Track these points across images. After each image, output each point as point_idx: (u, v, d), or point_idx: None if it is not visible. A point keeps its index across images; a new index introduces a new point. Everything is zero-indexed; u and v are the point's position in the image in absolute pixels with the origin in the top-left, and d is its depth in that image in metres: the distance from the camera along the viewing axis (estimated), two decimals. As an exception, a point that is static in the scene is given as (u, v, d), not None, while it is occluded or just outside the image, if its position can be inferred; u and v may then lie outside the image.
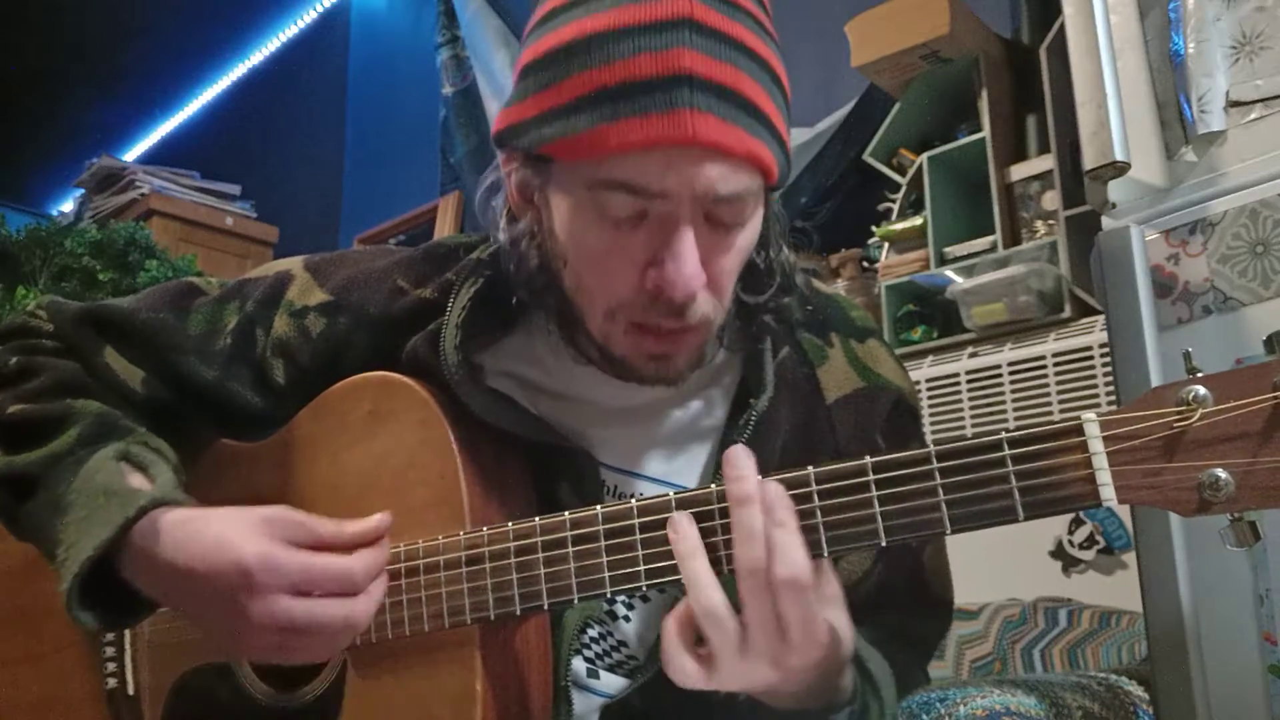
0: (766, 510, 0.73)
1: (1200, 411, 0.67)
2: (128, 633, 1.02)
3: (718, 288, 0.84)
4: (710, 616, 0.73)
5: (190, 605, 0.84)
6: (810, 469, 0.75)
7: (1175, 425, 0.67)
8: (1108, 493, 0.68)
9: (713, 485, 0.77)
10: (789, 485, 0.75)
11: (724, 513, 0.76)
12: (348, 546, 0.83)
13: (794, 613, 0.72)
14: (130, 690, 1.00)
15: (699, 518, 0.77)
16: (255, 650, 0.83)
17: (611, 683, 0.93)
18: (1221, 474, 0.66)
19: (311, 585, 0.80)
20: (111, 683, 1.02)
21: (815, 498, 0.74)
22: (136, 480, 0.88)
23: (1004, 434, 0.71)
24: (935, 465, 0.72)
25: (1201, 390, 0.67)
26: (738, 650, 0.73)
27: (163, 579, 0.82)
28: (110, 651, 1.02)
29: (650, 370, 0.87)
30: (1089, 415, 0.69)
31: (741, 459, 0.74)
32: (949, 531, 0.72)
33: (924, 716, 0.77)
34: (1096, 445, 0.69)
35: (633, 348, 0.85)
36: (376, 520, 0.84)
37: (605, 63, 0.75)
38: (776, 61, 0.81)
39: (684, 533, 0.75)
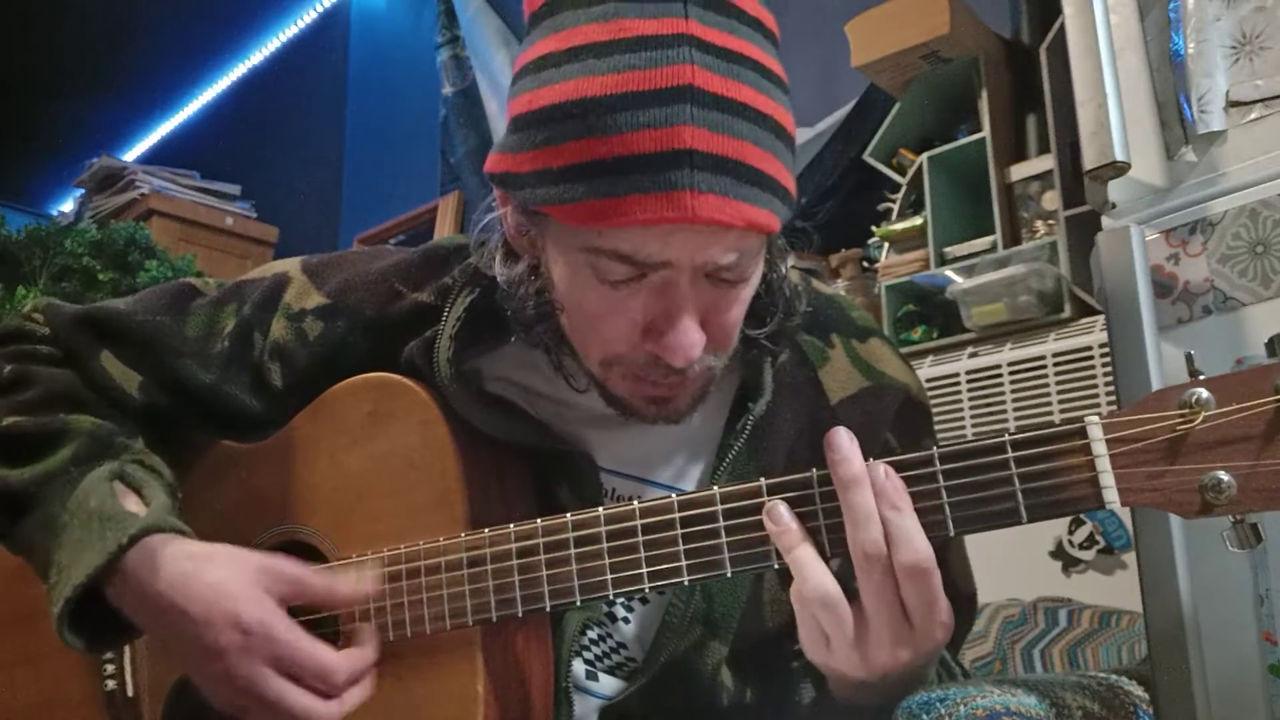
0: (879, 494, 0.72)
1: (1203, 414, 0.67)
2: (127, 634, 1.02)
3: (721, 342, 0.83)
4: (824, 605, 0.72)
5: (174, 641, 0.85)
6: (814, 471, 0.75)
7: (1178, 428, 0.67)
8: (1110, 495, 0.68)
9: (714, 488, 0.77)
10: (794, 488, 0.75)
11: (726, 515, 0.76)
12: (335, 605, 0.85)
13: (917, 598, 0.71)
14: (129, 692, 1.00)
15: (698, 520, 0.77)
16: (221, 702, 0.84)
17: (609, 684, 0.93)
18: (1224, 476, 0.66)
19: (294, 670, 0.81)
20: (110, 684, 1.01)
21: (818, 500, 0.75)
22: (130, 503, 0.88)
23: (1007, 436, 0.71)
24: (938, 467, 0.72)
25: (1204, 393, 0.67)
26: (854, 638, 0.72)
27: (151, 610, 0.83)
28: (109, 654, 1.02)
29: (650, 412, 0.86)
30: (1092, 417, 0.69)
31: (844, 440, 0.73)
32: (952, 533, 0.72)
33: (924, 716, 0.77)
34: (1100, 448, 0.69)
35: (631, 391, 0.85)
36: (369, 582, 0.86)
37: (602, 134, 0.72)
38: (780, 108, 0.77)
39: (784, 522, 0.74)
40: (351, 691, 0.84)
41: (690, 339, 0.78)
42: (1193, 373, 0.69)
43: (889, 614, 0.72)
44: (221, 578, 0.82)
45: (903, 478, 0.73)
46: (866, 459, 0.74)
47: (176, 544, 0.85)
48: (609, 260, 0.77)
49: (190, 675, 0.87)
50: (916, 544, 0.71)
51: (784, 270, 0.90)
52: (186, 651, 0.84)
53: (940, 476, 0.72)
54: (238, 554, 0.85)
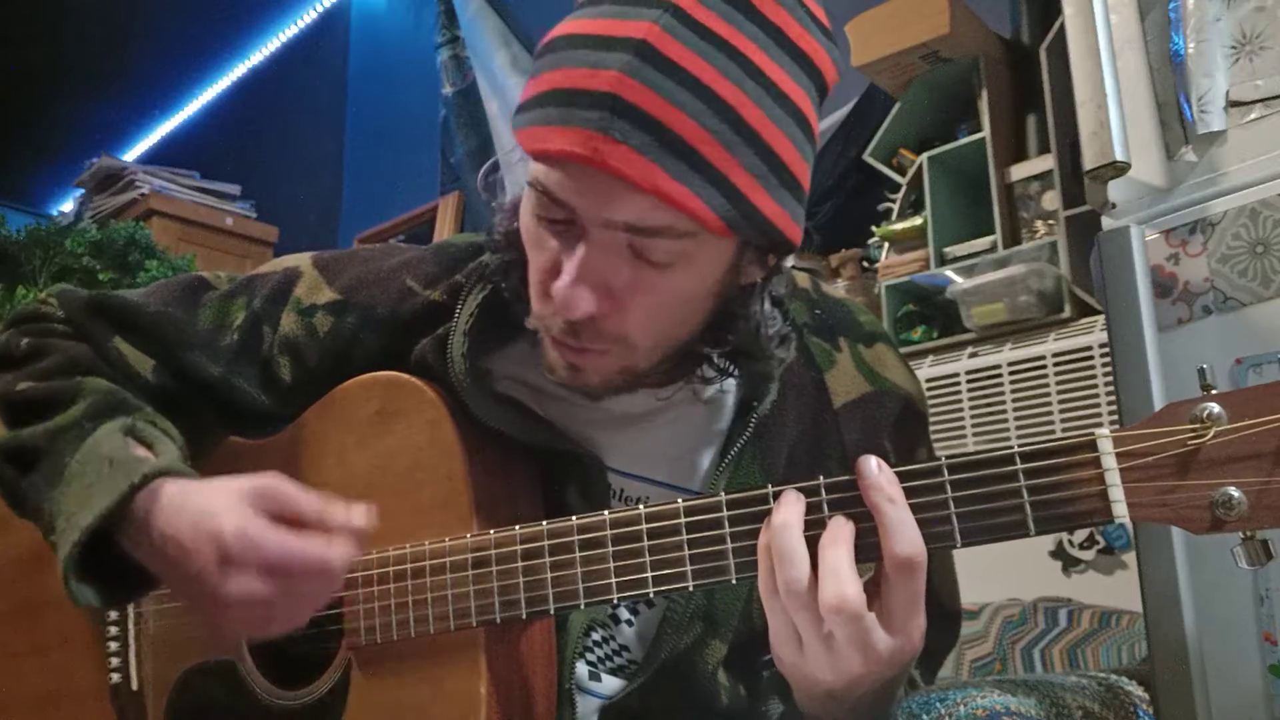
0: (873, 486, 0.72)
1: (1214, 429, 0.66)
2: (131, 627, 1.03)
3: (633, 326, 0.81)
4: (843, 609, 0.70)
5: (174, 577, 0.83)
6: (820, 480, 0.75)
7: (1189, 443, 0.67)
8: (1120, 509, 0.68)
9: (721, 494, 0.77)
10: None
11: (732, 520, 0.76)
12: (327, 529, 0.82)
13: (903, 594, 0.71)
14: (134, 685, 1.01)
15: (703, 525, 0.77)
16: (226, 624, 0.82)
17: (612, 685, 0.94)
18: (1235, 492, 0.65)
19: (287, 569, 0.80)
20: (115, 677, 1.02)
21: (825, 508, 0.74)
22: (141, 452, 0.88)
23: (1016, 448, 0.71)
24: (947, 478, 0.72)
25: (1215, 408, 0.67)
26: (864, 642, 0.71)
27: (155, 550, 0.83)
28: (114, 646, 1.03)
29: (565, 375, 0.86)
30: (1102, 431, 0.69)
31: (872, 468, 0.73)
32: (959, 544, 0.72)
33: (924, 716, 0.77)
34: (1109, 462, 0.69)
35: (553, 347, 0.86)
36: (361, 517, 0.83)
37: (556, 66, 0.76)
38: (756, 109, 0.75)
39: (833, 524, 0.73)
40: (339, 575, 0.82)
41: (573, 290, 0.77)
42: (1204, 387, 0.68)
43: (908, 608, 0.72)
44: (206, 500, 0.81)
45: (911, 488, 0.72)
46: None
47: (178, 482, 0.84)
48: (536, 193, 0.79)
49: (195, 612, 0.85)
50: (911, 535, 0.71)
51: (764, 304, 0.87)
52: (182, 587, 0.83)
53: (949, 487, 0.72)
54: (230, 480, 0.84)
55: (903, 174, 2.35)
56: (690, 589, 0.78)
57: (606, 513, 0.80)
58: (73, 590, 0.83)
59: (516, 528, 0.83)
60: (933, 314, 2.24)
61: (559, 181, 0.77)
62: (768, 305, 0.87)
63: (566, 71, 0.75)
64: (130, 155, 5.07)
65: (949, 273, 2.18)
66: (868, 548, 0.73)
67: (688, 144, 0.73)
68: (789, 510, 0.73)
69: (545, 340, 0.86)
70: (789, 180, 0.78)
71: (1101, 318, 1.84)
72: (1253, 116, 1.05)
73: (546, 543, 0.82)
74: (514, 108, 0.82)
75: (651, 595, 0.79)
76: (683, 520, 0.78)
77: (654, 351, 0.85)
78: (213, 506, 0.81)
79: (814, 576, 0.71)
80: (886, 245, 2.35)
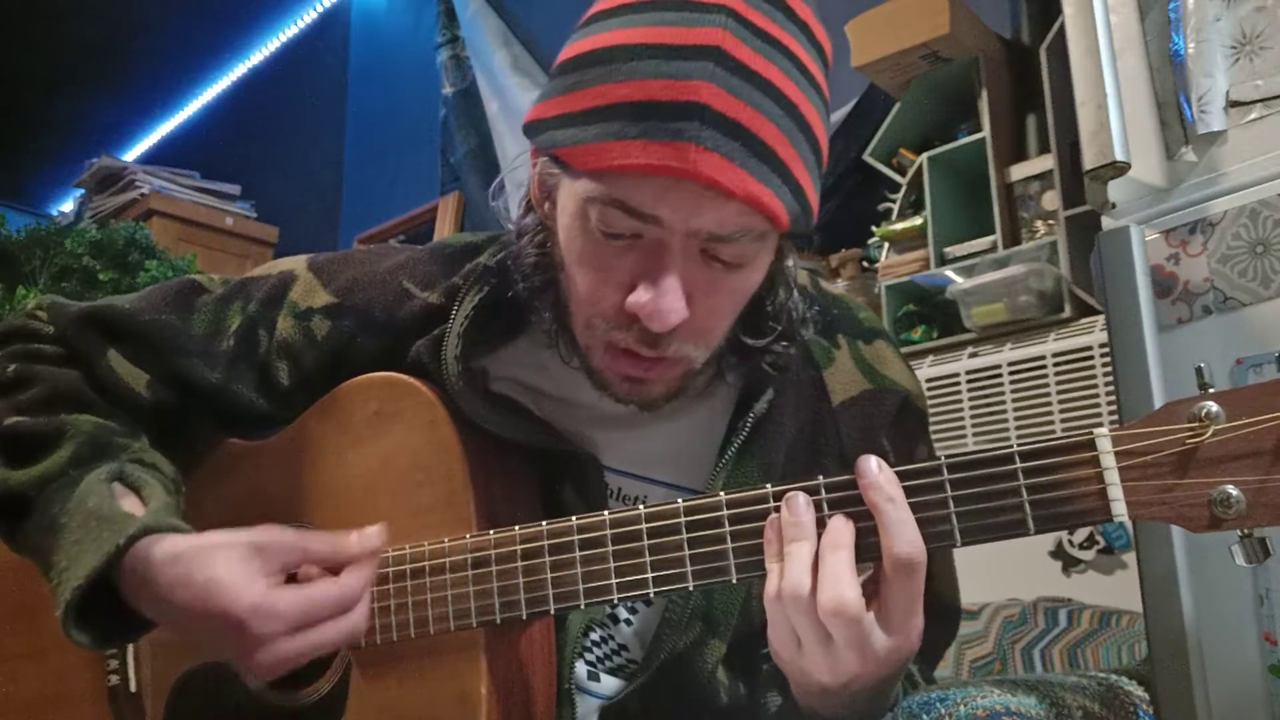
0: (873, 486, 0.72)
1: (1213, 428, 0.67)
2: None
3: (704, 327, 0.82)
4: (842, 613, 0.70)
5: (191, 639, 0.84)
6: (820, 479, 0.75)
7: (1187, 441, 0.67)
8: (1119, 508, 0.69)
9: (721, 494, 0.77)
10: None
11: (732, 520, 0.76)
12: (341, 565, 0.82)
13: (902, 594, 0.72)
14: (132, 687, 1.01)
15: (703, 525, 0.77)
16: (256, 674, 0.82)
17: (610, 684, 0.94)
18: (1233, 491, 0.66)
19: (313, 620, 0.80)
20: (113, 680, 1.02)
21: (825, 507, 0.74)
22: (129, 503, 0.87)
23: (1015, 447, 0.71)
24: (946, 477, 0.72)
25: (1214, 407, 0.67)
26: (862, 643, 0.71)
27: (159, 610, 0.82)
28: (113, 649, 1.02)
29: (623, 390, 0.86)
30: (1101, 430, 0.70)
31: (872, 467, 0.73)
32: (959, 543, 0.72)
33: (924, 716, 0.77)
34: (1108, 460, 0.69)
35: (609, 365, 0.85)
36: (374, 539, 0.83)
37: (623, 79, 0.74)
38: (810, 106, 0.78)
39: (833, 526, 0.73)
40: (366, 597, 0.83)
41: (670, 303, 0.77)
42: (1202, 386, 0.68)
43: (904, 610, 0.72)
44: (211, 574, 0.80)
45: (911, 487, 0.73)
46: None
47: (170, 542, 0.83)
48: (606, 208, 0.77)
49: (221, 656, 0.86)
50: (910, 535, 0.71)
51: (792, 290, 0.89)
52: (204, 648, 0.83)
53: (948, 486, 0.72)
54: (228, 542, 0.82)
55: (903, 174, 2.35)
56: (690, 589, 0.78)
57: (606, 513, 0.80)
58: (72, 636, 0.83)
59: (516, 528, 0.83)
60: (933, 314, 2.24)
61: (643, 195, 0.76)
62: (795, 290, 0.89)
63: (639, 84, 0.74)
64: (130, 155, 5.08)
65: (949, 273, 2.18)
66: (867, 547, 0.73)
67: (768, 146, 0.75)
68: (798, 512, 0.74)
69: (595, 357, 0.86)
70: (821, 167, 0.81)
71: (1101, 318, 1.84)
72: (1253, 116, 1.05)
73: (546, 543, 0.82)
74: (522, 111, 0.81)
75: (651, 595, 0.79)
76: (683, 520, 0.78)
77: (707, 354, 0.86)
78: (219, 575, 0.79)
79: (814, 579, 0.72)
80: (886, 245, 2.35)
